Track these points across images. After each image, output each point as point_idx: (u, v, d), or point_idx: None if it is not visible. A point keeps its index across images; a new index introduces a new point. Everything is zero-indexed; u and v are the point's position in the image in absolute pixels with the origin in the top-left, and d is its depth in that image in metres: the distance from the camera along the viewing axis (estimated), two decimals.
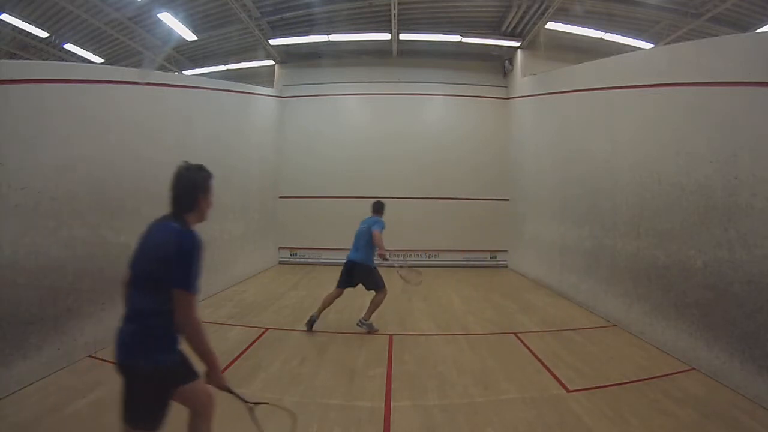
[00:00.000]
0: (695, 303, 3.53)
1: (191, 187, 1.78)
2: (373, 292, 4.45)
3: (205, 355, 1.69)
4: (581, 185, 5.76)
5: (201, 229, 1.79)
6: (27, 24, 7.61)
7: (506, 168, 9.14)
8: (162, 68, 9.68)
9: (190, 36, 8.45)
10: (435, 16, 8.18)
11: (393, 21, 7.78)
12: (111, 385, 3.04)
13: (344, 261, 4.60)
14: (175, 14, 7.60)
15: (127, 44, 8.95)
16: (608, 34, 7.91)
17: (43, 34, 8.10)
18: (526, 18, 7.67)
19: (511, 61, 9.09)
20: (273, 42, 8.70)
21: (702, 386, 3.14)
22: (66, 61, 8.82)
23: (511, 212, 8.96)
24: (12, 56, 8.53)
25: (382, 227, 4.50)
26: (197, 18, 8.03)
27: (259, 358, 3.67)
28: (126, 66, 8.78)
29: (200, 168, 1.82)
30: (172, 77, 7.53)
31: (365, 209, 10.29)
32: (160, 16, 7.61)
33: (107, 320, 3.88)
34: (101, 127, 3.97)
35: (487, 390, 3.12)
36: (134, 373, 1.60)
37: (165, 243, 1.64)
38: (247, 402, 1.91)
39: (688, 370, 3.43)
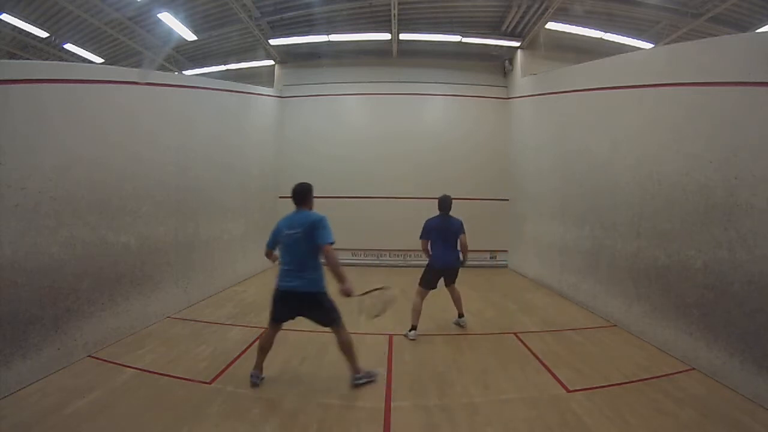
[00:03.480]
0: (695, 303, 3.53)
1: (451, 202, 4.46)
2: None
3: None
4: (581, 185, 5.76)
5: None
6: (27, 24, 7.61)
7: (506, 168, 9.14)
8: (162, 68, 9.67)
9: (190, 36, 8.45)
10: (435, 16, 8.18)
11: (393, 21, 7.78)
12: (111, 385, 3.07)
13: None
14: (175, 14, 7.60)
15: (127, 44, 8.95)
16: (608, 34, 7.90)
17: (43, 34, 8.10)
18: (526, 18, 7.67)
19: (511, 61, 9.09)
20: (273, 42, 8.71)
21: (702, 386, 3.14)
22: (66, 61, 8.83)
23: (511, 212, 8.97)
24: (12, 56, 8.54)
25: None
26: (197, 18, 8.03)
27: None
28: (126, 66, 8.78)
29: (449, 196, 4.48)
30: (172, 77, 7.53)
31: (365, 209, 10.21)
32: (160, 16, 7.61)
33: (107, 320, 3.89)
34: (101, 127, 3.98)
35: (487, 390, 3.12)
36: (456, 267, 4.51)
37: (456, 222, 4.44)
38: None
39: (688, 370, 3.43)
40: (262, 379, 3.16)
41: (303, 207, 3.10)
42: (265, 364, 3.22)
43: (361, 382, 3.12)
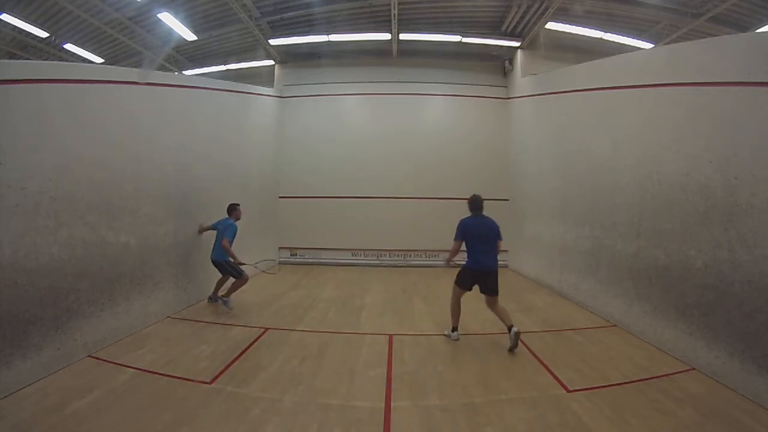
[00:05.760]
0: (695, 303, 3.53)
1: (482, 202, 4.21)
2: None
3: None
4: (581, 185, 5.76)
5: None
6: (27, 24, 7.62)
7: (506, 168, 9.15)
8: (162, 68, 9.68)
9: (190, 36, 8.46)
10: (435, 16, 8.19)
11: (393, 21, 7.78)
12: (111, 385, 3.07)
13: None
14: (175, 14, 7.61)
15: (127, 44, 8.96)
16: (608, 34, 7.91)
17: (43, 34, 8.11)
18: (526, 18, 7.67)
19: (511, 61, 9.09)
20: (273, 42, 8.71)
21: (702, 386, 3.14)
22: (66, 61, 8.83)
23: (511, 212, 8.95)
24: (12, 56, 8.54)
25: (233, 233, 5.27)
26: (197, 18, 8.03)
27: (259, 358, 3.67)
28: (126, 66, 8.78)
29: (480, 195, 4.27)
30: (172, 77, 7.52)
31: (365, 209, 10.24)
32: (160, 16, 7.62)
33: (107, 320, 3.89)
34: (101, 128, 3.97)
35: (487, 390, 3.11)
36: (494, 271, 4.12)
37: (493, 224, 4.16)
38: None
39: (688, 370, 3.43)
40: (222, 300, 5.29)
41: (229, 216, 5.45)
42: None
43: (226, 304, 5.20)
